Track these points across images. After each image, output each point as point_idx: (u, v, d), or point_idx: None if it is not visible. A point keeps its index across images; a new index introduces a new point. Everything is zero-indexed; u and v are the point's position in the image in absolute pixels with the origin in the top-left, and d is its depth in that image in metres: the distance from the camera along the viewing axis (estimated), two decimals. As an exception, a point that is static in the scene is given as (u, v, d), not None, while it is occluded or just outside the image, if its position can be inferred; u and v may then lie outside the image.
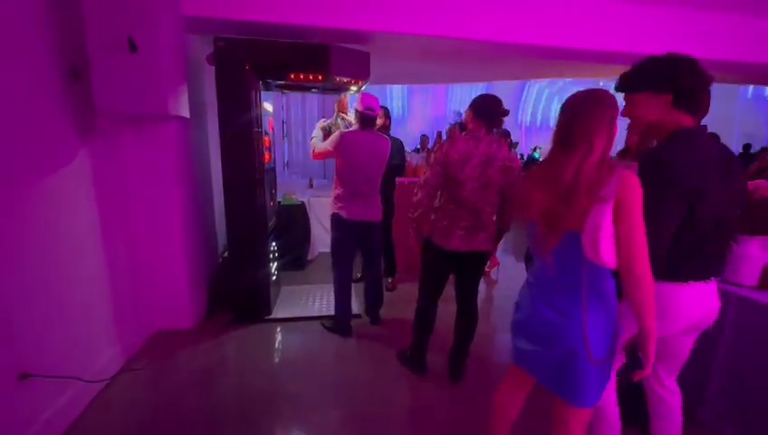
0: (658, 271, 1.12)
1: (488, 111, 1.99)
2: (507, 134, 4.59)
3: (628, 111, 1.31)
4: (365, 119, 2.53)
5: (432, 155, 2.04)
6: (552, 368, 1.19)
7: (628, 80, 1.30)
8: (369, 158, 2.56)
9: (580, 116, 1.09)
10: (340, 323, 2.76)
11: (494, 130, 2.04)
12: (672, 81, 1.21)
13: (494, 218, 2.08)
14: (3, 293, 1.49)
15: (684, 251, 1.21)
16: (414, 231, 2.12)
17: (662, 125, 1.25)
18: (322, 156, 2.65)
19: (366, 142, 2.53)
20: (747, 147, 9.60)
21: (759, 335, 1.67)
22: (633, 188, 1.04)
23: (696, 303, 1.27)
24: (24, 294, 1.60)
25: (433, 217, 2.08)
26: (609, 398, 1.39)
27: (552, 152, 1.18)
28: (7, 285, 1.51)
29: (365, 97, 2.53)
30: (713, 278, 1.29)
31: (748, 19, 3.04)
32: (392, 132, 3.54)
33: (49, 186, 1.73)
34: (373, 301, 2.92)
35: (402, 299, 3.27)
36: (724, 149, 1.30)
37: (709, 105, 1.24)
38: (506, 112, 2.04)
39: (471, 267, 2.15)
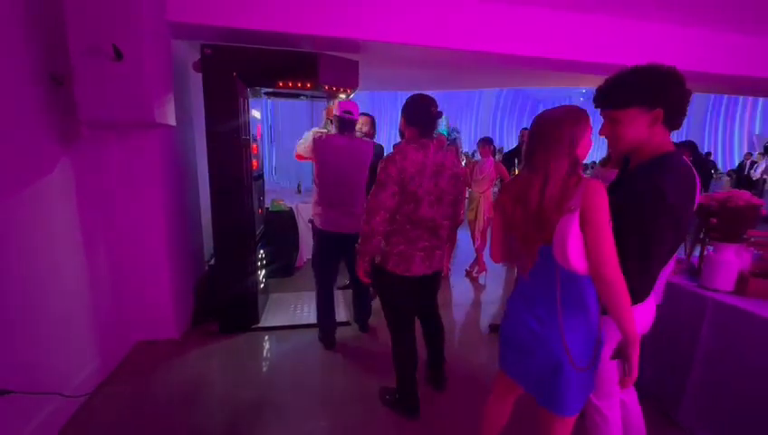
0: (646, 289, 1.16)
1: (420, 114, 1.80)
2: (490, 141, 4.60)
3: (609, 130, 1.23)
4: (343, 122, 2.48)
5: (381, 173, 1.72)
6: (536, 377, 1.22)
7: (611, 94, 1.20)
8: (347, 164, 2.47)
9: (540, 139, 1.12)
10: (322, 334, 2.72)
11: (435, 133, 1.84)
12: (665, 95, 1.14)
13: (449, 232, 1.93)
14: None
15: None
16: (365, 264, 1.85)
17: (645, 145, 1.19)
18: (302, 158, 2.61)
19: (344, 147, 2.46)
20: (708, 154, 10.02)
21: (735, 339, 1.73)
22: (597, 196, 1.05)
23: (648, 309, 1.30)
24: (2, 308, 1.55)
25: (384, 243, 1.83)
26: (631, 396, 1.41)
27: (524, 168, 1.21)
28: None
29: (342, 103, 2.51)
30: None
31: (729, 34, 3.19)
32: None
33: (29, 195, 1.68)
34: (361, 312, 2.88)
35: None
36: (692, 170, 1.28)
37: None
38: (440, 114, 1.83)
39: (431, 286, 2.08)
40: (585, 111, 1.14)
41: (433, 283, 2.08)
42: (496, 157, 4.89)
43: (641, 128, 1.17)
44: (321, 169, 2.47)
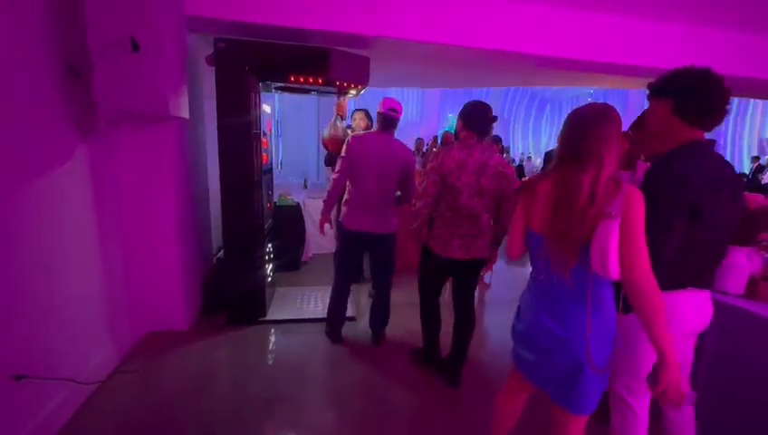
0: (662, 280, 1.17)
1: (478, 120, 2.01)
2: (499, 140, 4.65)
3: (646, 117, 1.40)
4: (386, 120, 2.40)
5: (428, 164, 2.06)
6: (556, 378, 1.22)
7: (648, 86, 1.37)
8: (380, 163, 2.38)
9: (590, 133, 1.10)
10: (330, 328, 2.72)
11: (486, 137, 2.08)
12: (671, 86, 1.27)
13: (492, 224, 2.10)
14: (-2, 293, 1.47)
15: (683, 260, 1.25)
16: (415, 241, 2.15)
17: (664, 134, 1.30)
18: (338, 178, 2.43)
19: (377, 146, 2.39)
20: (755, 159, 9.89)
21: (743, 344, 1.73)
22: (638, 204, 1.07)
23: (695, 308, 1.32)
24: (19, 295, 1.58)
25: (431, 227, 2.10)
26: (643, 405, 1.41)
27: (559, 167, 1.18)
28: (1, 286, 1.49)
29: (387, 100, 2.42)
30: (707, 288, 1.34)
31: (732, 34, 3.16)
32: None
33: (45, 184, 1.71)
34: (376, 319, 2.70)
35: (396, 305, 3.28)
36: (731, 166, 1.32)
37: (721, 119, 1.25)
38: (495, 119, 2.05)
39: (468, 274, 2.18)
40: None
41: (471, 271, 2.17)
42: (504, 156, 4.91)
43: (656, 117, 1.33)
44: (352, 168, 2.41)
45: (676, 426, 1.46)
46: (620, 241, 1.06)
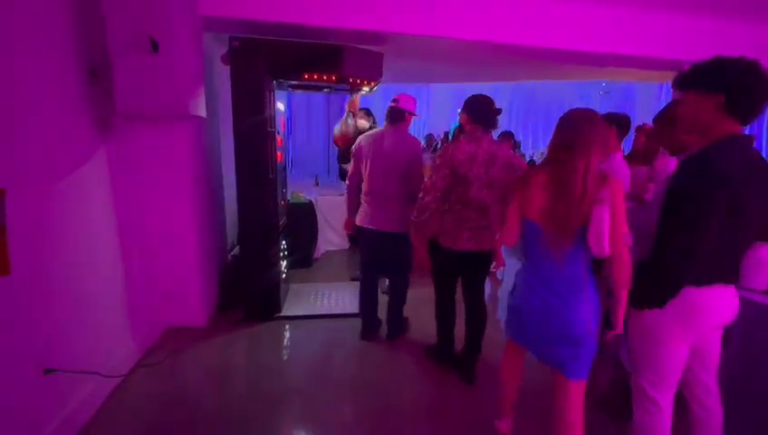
0: (695, 276, 1.21)
1: (483, 112, 2.05)
2: (511, 135, 4.61)
3: (679, 110, 1.36)
4: (389, 112, 2.46)
5: (437, 159, 2.07)
6: (554, 348, 1.41)
7: (684, 77, 1.28)
8: (381, 160, 2.41)
9: (577, 135, 1.31)
10: (362, 324, 2.72)
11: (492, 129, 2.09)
12: (721, 81, 1.18)
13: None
14: (28, 291, 1.51)
15: (718, 257, 1.24)
16: (416, 233, 2.15)
17: (709, 128, 1.22)
18: (353, 171, 2.59)
19: (381, 143, 2.43)
20: None
21: (766, 341, 1.71)
22: (619, 190, 1.30)
23: (724, 304, 1.30)
24: (48, 292, 1.62)
25: (439, 222, 2.11)
26: (667, 399, 1.42)
27: (551, 161, 1.39)
28: (31, 284, 1.53)
29: (399, 95, 2.47)
30: (734, 284, 1.33)
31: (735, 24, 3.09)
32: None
33: (68, 184, 1.75)
34: (391, 315, 2.70)
35: (412, 300, 3.29)
36: (764, 160, 1.28)
37: (761, 114, 1.22)
38: (499, 111, 2.08)
39: (478, 265, 2.21)
40: None
41: (481, 264, 2.20)
42: (516, 151, 4.87)
43: (701, 111, 1.22)
44: (358, 167, 2.53)
45: (703, 423, 1.44)
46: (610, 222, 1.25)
